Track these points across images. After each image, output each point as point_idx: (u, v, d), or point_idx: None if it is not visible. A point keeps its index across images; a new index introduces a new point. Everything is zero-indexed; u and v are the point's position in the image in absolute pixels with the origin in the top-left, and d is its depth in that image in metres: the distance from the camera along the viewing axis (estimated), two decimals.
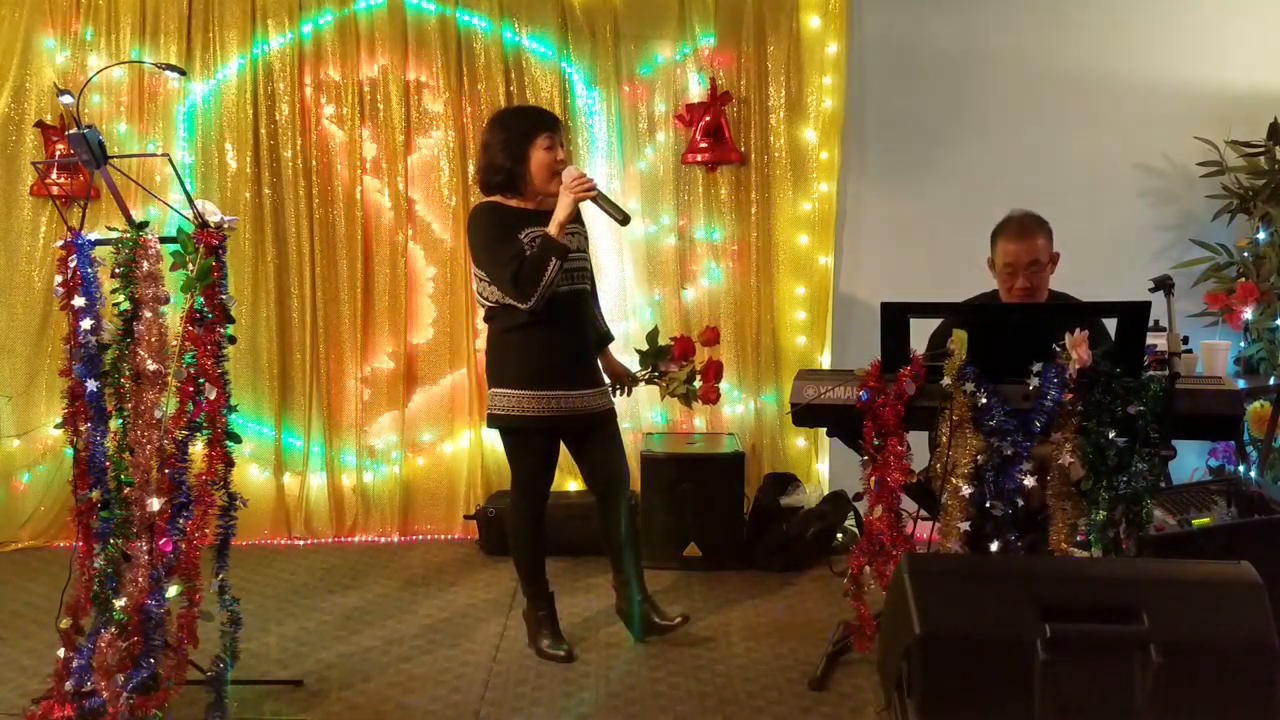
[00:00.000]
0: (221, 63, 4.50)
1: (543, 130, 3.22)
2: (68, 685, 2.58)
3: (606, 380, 3.46)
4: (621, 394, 3.56)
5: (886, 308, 2.87)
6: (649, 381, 3.57)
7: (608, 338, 3.54)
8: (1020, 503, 2.76)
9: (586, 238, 3.41)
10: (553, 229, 3.11)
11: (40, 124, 4.45)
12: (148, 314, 2.52)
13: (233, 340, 2.66)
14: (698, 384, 3.51)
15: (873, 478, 2.90)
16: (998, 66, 4.57)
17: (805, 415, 3.04)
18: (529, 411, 3.23)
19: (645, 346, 3.58)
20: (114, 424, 2.55)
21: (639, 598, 3.44)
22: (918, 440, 2.90)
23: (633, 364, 3.60)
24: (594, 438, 3.36)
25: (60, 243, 2.59)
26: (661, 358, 3.54)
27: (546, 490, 3.39)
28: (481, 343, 4.57)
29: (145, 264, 2.52)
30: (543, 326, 3.20)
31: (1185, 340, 2.92)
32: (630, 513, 3.44)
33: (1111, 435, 2.67)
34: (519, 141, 3.22)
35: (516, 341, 3.24)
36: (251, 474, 4.60)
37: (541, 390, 3.22)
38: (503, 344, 3.29)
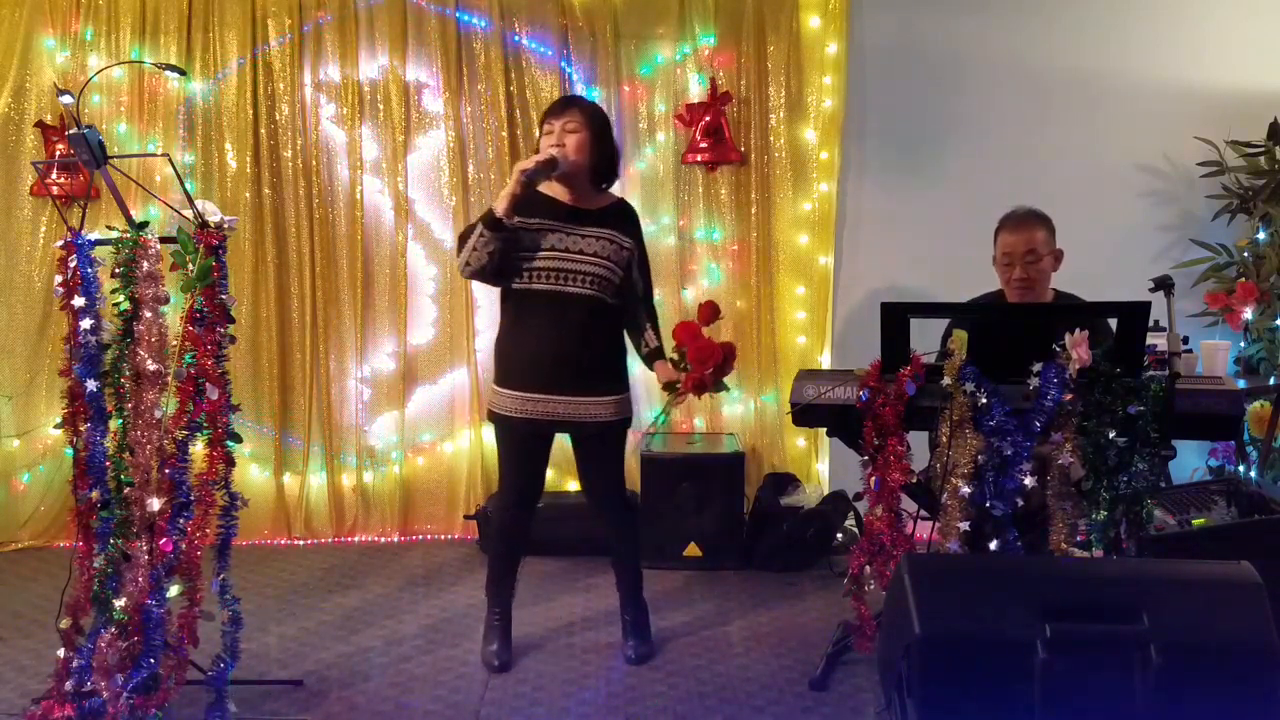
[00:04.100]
0: (221, 63, 4.50)
1: (545, 119, 3.20)
2: (68, 685, 2.58)
3: (619, 392, 3.24)
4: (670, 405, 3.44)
5: (886, 308, 2.86)
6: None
7: (658, 352, 3.30)
8: (1020, 503, 2.75)
9: (619, 245, 3.18)
10: (497, 202, 3.02)
11: (40, 124, 4.45)
12: (148, 314, 2.51)
13: (233, 340, 2.65)
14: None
15: (873, 478, 2.89)
16: (998, 66, 4.57)
17: (805, 415, 3.04)
18: (502, 410, 3.20)
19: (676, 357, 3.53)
20: (114, 424, 2.55)
21: (625, 616, 3.42)
22: (918, 440, 2.90)
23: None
24: (584, 449, 3.28)
25: (60, 243, 2.59)
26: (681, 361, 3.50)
27: (527, 491, 3.29)
28: (482, 342, 4.62)
29: (145, 264, 2.52)
30: (522, 325, 3.16)
31: (1185, 340, 2.92)
32: (628, 539, 3.38)
33: (1111, 435, 2.66)
34: (542, 134, 3.23)
35: (503, 338, 3.25)
36: (251, 474, 4.61)
37: (517, 390, 3.16)
38: (498, 338, 3.29)
